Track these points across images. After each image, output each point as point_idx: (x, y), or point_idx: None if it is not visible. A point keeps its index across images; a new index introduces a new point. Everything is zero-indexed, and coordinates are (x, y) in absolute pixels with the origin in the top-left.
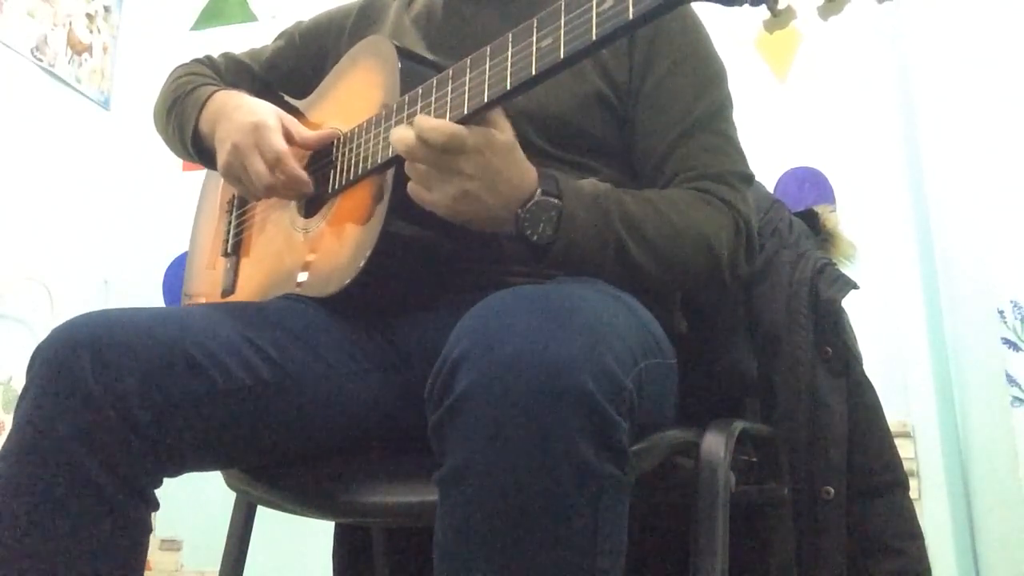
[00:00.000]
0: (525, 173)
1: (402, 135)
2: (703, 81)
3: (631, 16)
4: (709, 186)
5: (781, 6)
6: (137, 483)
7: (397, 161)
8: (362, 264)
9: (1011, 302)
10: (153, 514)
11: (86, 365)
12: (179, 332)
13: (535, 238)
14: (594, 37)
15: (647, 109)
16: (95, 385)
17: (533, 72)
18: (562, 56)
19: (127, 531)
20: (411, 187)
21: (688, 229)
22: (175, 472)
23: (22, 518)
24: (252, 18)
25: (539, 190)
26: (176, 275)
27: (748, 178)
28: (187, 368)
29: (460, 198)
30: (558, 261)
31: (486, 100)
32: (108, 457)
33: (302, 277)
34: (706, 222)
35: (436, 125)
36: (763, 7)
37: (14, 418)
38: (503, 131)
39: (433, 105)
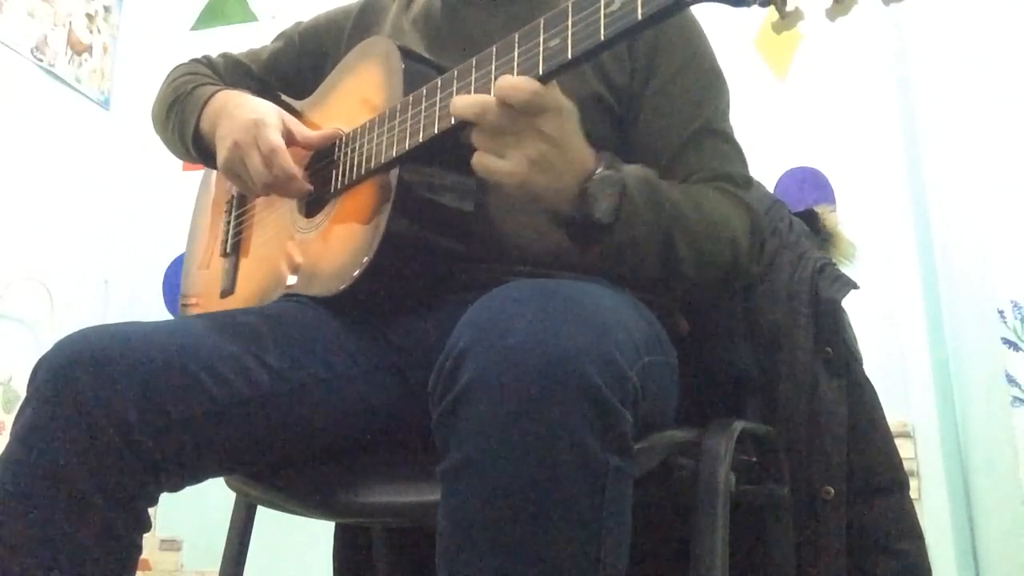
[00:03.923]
0: (586, 145)
1: (474, 98)
2: (707, 85)
3: (640, 17)
4: (724, 185)
5: (789, 8)
6: (132, 503)
7: (401, 161)
8: (365, 264)
9: (1011, 302)
10: (153, 514)
11: (86, 382)
12: (179, 347)
13: (598, 215)
14: (602, 38)
15: (651, 111)
16: (94, 403)
17: (540, 72)
18: (570, 56)
19: (117, 553)
20: (479, 158)
21: (721, 224)
22: (174, 487)
23: (10, 534)
24: (252, 18)
25: (602, 164)
26: (176, 275)
27: (751, 182)
28: (187, 384)
29: (536, 162)
30: (611, 243)
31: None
32: (103, 477)
33: (303, 277)
34: (733, 219)
35: (518, 82)
36: (771, 8)
37: (12, 431)
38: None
39: (438, 105)
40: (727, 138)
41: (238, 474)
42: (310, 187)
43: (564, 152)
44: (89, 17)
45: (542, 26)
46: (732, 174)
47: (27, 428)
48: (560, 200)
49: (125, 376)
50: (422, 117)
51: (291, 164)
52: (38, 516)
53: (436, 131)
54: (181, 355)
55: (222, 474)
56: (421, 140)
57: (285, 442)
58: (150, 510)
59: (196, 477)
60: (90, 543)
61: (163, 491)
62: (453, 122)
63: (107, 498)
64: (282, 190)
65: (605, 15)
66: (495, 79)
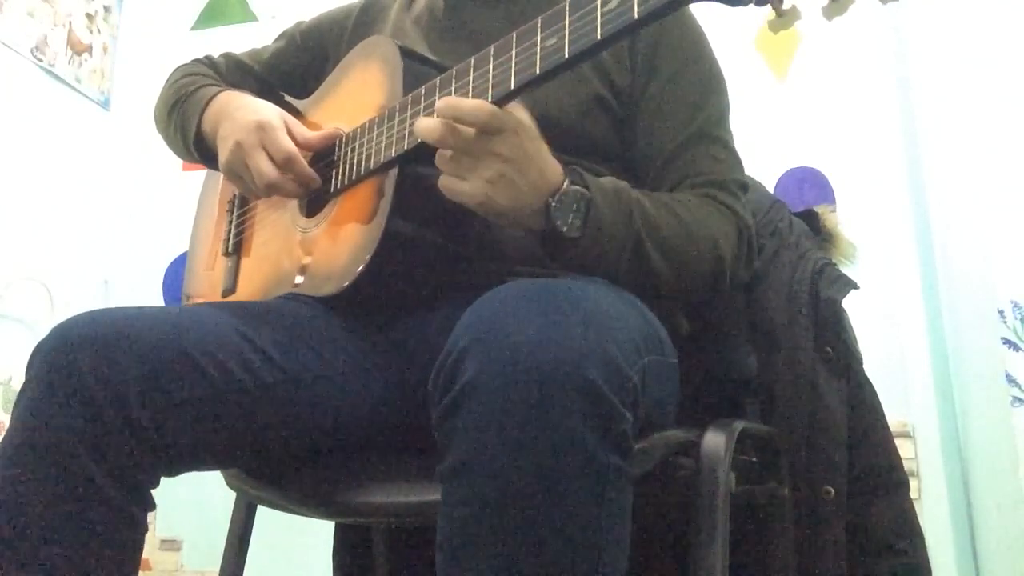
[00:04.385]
0: (550, 161)
1: (431, 122)
2: (706, 88)
3: (636, 16)
4: (714, 192)
5: (786, 6)
6: (134, 483)
7: (400, 160)
8: (364, 263)
9: (1011, 302)
10: (153, 514)
11: (85, 364)
12: (179, 332)
13: (564, 229)
14: (599, 37)
15: (650, 113)
16: (94, 384)
17: (537, 71)
18: (567, 56)
19: (124, 530)
20: (444, 180)
21: (699, 232)
22: (173, 472)
23: (16, 514)
24: (252, 18)
25: (567, 180)
26: (176, 275)
27: (746, 187)
28: (187, 368)
29: (495, 183)
30: (580, 256)
31: (490, 99)
32: (105, 456)
33: (303, 276)
34: (714, 226)
35: (477, 105)
36: (768, 7)
37: (12, 415)
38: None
39: (437, 104)
40: (723, 143)
41: (237, 468)
42: (316, 185)
43: (524, 171)
44: (89, 17)
45: (540, 25)
46: (724, 180)
47: (27, 409)
48: (525, 216)
49: (125, 356)
50: (421, 117)
51: (307, 167)
52: (41, 493)
53: None
54: (182, 339)
55: (220, 466)
56: (420, 140)
57: (283, 436)
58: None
59: (194, 463)
60: (94, 519)
61: (163, 473)
62: (408, 146)
63: (109, 475)
64: (285, 191)
65: (602, 14)
66: (492, 78)
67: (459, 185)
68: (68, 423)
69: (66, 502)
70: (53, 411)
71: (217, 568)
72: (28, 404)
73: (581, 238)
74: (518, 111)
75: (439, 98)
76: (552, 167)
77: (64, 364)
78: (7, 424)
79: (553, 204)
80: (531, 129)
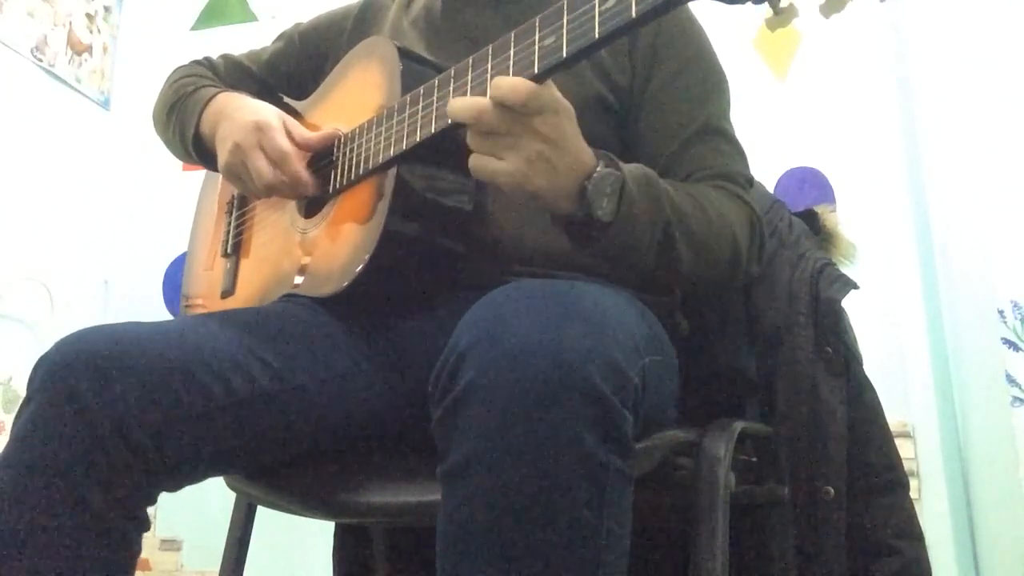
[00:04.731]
0: (583, 143)
1: (471, 101)
2: (710, 85)
3: (634, 14)
4: (726, 185)
5: (783, 4)
6: (130, 502)
7: (399, 160)
8: (363, 264)
9: (1011, 302)
10: (153, 514)
11: (85, 382)
12: (179, 347)
13: (599, 213)
14: (597, 35)
15: (653, 109)
16: (93, 403)
17: (536, 71)
18: (565, 54)
19: (115, 552)
20: (476, 160)
21: (719, 222)
22: (174, 487)
23: (9, 533)
24: (252, 18)
25: (601, 162)
26: (176, 275)
27: (752, 181)
28: (186, 384)
29: (533, 162)
30: (609, 242)
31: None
32: (101, 475)
33: (302, 277)
34: (732, 217)
35: (515, 83)
36: (765, 5)
37: (12, 429)
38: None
39: (435, 104)
40: (728, 137)
41: (238, 473)
42: (315, 189)
43: (562, 152)
44: (89, 17)
45: (538, 24)
46: (733, 173)
47: (26, 428)
48: (559, 199)
49: (124, 376)
50: (419, 117)
51: (300, 168)
52: (36, 515)
53: (433, 131)
54: (180, 355)
55: (220, 474)
56: (418, 140)
57: (284, 442)
58: (150, 510)
59: (195, 476)
60: (88, 542)
61: (162, 490)
62: (449, 123)
63: (105, 497)
64: (284, 192)
65: (600, 13)
66: (491, 78)
67: (494, 164)
68: (65, 441)
69: (58, 523)
70: (50, 428)
71: (217, 568)
72: (27, 419)
73: (613, 223)
74: (556, 91)
75: (437, 98)
76: (586, 150)
77: (63, 383)
78: (7, 424)
79: (589, 187)
80: (569, 110)
